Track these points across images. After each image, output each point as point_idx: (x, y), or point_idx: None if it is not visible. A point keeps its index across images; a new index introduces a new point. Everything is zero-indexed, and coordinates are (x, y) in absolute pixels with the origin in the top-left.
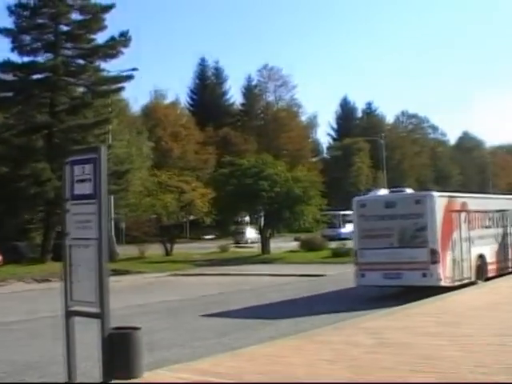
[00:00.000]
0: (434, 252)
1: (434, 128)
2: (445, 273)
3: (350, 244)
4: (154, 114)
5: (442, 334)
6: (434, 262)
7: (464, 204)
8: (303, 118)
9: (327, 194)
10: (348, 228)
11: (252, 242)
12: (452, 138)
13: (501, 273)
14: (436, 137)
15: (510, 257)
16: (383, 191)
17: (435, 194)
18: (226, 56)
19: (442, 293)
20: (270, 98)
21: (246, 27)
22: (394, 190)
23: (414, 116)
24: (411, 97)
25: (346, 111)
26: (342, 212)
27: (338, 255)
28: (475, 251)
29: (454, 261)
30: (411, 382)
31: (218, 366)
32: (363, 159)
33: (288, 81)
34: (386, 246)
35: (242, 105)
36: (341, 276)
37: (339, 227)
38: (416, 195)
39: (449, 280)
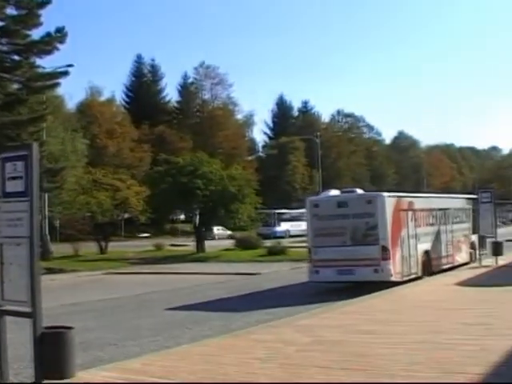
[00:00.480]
0: (384, 249)
1: (370, 127)
2: (395, 268)
3: (284, 242)
4: (89, 110)
5: (376, 331)
6: (385, 258)
7: (411, 203)
8: (239, 117)
9: (262, 192)
10: (283, 226)
11: (219, 238)
12: (387, 138)
13: (444, 267)
14: (371, 136)
15: (451, 252)
16: (334, 192)
17: (385, 194)
18: (162, 53)
19: (392, 287)
20: (207, 96)
21: (183, 25)
22: (346, 190)
23: (350, 115)
24: (347, 96)
25: (282, 110)
26: (277, 211)
27: (273, 253)
28: (421, 248)
29: (402, 257)
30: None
31: (149, 365)
32: (299, 158)
33: (224, 79)
34: (339, 244)
35: (178, 103)
36: (276, 274)
37: (274, 226)
38: (367, 195)
39: (398, 275)
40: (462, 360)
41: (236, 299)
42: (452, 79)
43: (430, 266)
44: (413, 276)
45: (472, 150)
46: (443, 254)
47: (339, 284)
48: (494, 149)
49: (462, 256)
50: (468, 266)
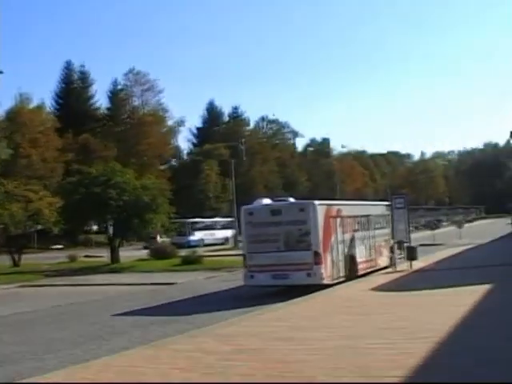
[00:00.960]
0: (317, 254)
1: (294, 133)
2: (326, 272)
3: (199, 251)
4: (18, 118)
5: (295, 338)
6: (317, 263)
7: (338, 211)
8: (169, 123)
9: (176, 201)
10: (197, 235)
11: None
12: (300, 146)
13: (368, 271)
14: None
15: (374, 257)
16: (266, 200)
17: (316, 202)
18: (92, 60)
19: (310, 293)
20: (136, 102)
21: (113, 31)
22: (278, 199)
23: (275, 121)
24: (273, 102)
25: (211, 116)
26: (192, 220)
27: (188, 263)
28: (348, 252)
29: (332, 261)
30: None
31: (70, 378)
32: (211, 166)
33: (154, 85)
34: (274, 250)
35: (108, 109)
36: (191, 284)
37: (188, 235)
38: (300, 204)
39: (329, 278)
40: (383, 364)
41: (153, 309)
42: (363, 85)
43: (356, 270)
44: (341, 279)
45: (383, 156)
46: (367, 258)
47: (269, 289)
48: (406, 155)
49: (383, 260)
50: (383, 271)
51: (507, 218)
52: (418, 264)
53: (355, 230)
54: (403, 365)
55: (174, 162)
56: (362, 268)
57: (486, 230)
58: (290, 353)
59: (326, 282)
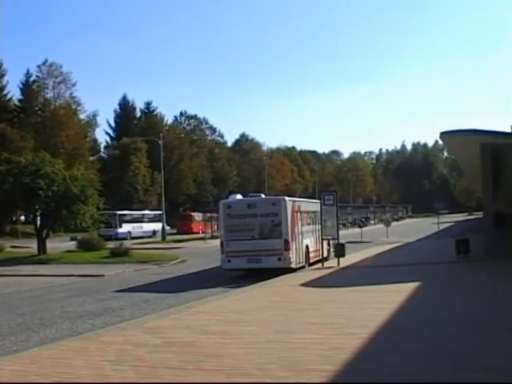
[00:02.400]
0: (286, 242)
1: (213, 129)
2: (293, 258)
3: (127, 244)
4: None
5: (227, 332)
6: (287, 249)
7: (299, 206)
8: (82, 116)
9: (105, 193)
10: (125, 228)
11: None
12: (230, 140)
13: (316, 260)
14: (214, 138)
15: (319, 247)
16: (239, 196)
17: (286, 198)
18: (5, 51)
19: (290, 272)
20: (49, 94)
21: (28, 22)
22: (253, 194)
23: (193, 117)
24: (191, 98)
25: (125, 110)
26: (120, 212)
27: (116, 255)
28: (305, 242)
29: (296, 249)
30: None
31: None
32: (140, 159)
33: (68, 78)
34: (249, 238)
35: (20, 101)
36: (119, 276)
37: (116, 227)
38: (272, 199)
39: (294, 263)
40: (314, 359)
41: (81, 301)
42: (293, 82)
43: (309, 258)
44: (300, 265)
45: (313, 153)
46: (315, 248)
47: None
48: (335, 153)
49: (325, 251)
50: (312, 267)
51: (434, 218)
52: (345, 261)
53: (308, 224)
54: (335, 360)
55: (102, 153)
56: (312, 256)
57: (413, 228)
58: (222, 346)
59: (292, 266)
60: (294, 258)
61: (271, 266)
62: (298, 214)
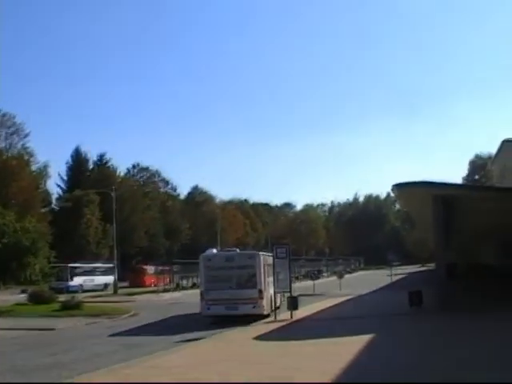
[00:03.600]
0: (260, 291)
1: (165, 181)
2: (265, 305)
3: (79, 297)
4: None
5: None
6: (261, 298)
7: (266, 259)
8: (34, 168)
9: (56, 245)
10: (76, 281)
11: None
12: (183, 192)
13: (274, 307)
14: (167, 190)
15: (275, 296)
16: (214, 250)
17: (260, 253)
18: None
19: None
20: (1, 145)
21: None
22: (229, 249)
23: (146, 169)
24: (145, 149)
25: (77, 162)
26: (71, 264)
27: (68, 308)
28: (270, 291)
29: (266, 297)
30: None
31: None
32: (93, 211)
33: (21, 128)
34: (227, 288)
35: None
36: (72, 330)
37: (67, 280)
38: (248, 253)
39: (266, 310)
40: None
41: (32, 355)
42: (244, 134)
43: (273, 305)
44: (269, 311)
45: (265, 206)
46: (274, 297)
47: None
48: (287, 205)
49: (278, 301)
50: (265, 320)
51: (386, 270)
52: (299, 314)
53: (269, 275)
54: None
55: (54, 206)
56: (273, 304)
57: (365, 280)
58: None
59: (265, 312)
60: (266, 305)
61: (247, 312)
62: (266, 266)
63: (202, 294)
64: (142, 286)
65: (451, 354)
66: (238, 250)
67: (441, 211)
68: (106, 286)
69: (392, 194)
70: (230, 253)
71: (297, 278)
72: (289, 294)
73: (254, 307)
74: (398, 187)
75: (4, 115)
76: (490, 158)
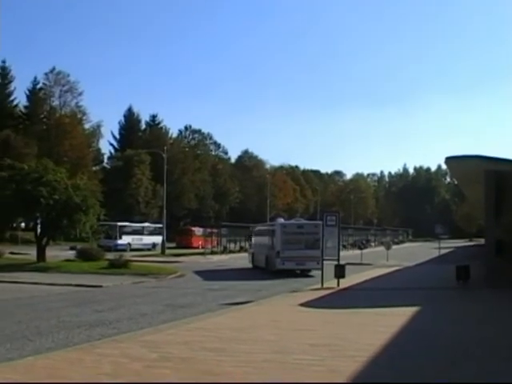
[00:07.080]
0: (322, 252)
1: (217, 145)
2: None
3: (126, 255)
4: None
5: (223, 349)
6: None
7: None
8: (87, 126)
9: (106, 204)
10: (125, 239)
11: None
12: (233, 157)
13: None
14: (218, 154)
15: None
16: (282, 220)
17: (320, 222)
18: (14, 57)
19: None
20: (55, 102)
21: (36, 29)
22: (299, 219)
23: (198, 131)
24: (196, 112)
25: (130, 122)
26: (120, 223)
27: (115, 266)
28: None
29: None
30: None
31: None
32: (144, 171)
33: (74, 87)
34: (298, 248)
35: (26, 108)
36: (117, 288)
37: (116, 238)
38: (314, 223)
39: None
40: (311, 381)
41: (78, 312)
42: (298, 104)
43: None
44: None
45: (316, 173)
46: None
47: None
48: (337, 173)
49: None
50: (312, 287)
51: (434, 243)
52: (345, 282)
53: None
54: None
55: (106, 164)
56: None
57: (413, 252)
58: (218, 364)
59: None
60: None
61: (312, 267)
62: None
63: (278, 252)
64: (190, 247)
65: (498, 327)
66: (302, 220)
67: (493, 188)
68: (153, 245)
69: (443, 167)
70: (300, 222)
71: (344, 247)
72: (336, 262)
73: (318, 263)
74: (451, 160)
75: (58, 73)
76: None
